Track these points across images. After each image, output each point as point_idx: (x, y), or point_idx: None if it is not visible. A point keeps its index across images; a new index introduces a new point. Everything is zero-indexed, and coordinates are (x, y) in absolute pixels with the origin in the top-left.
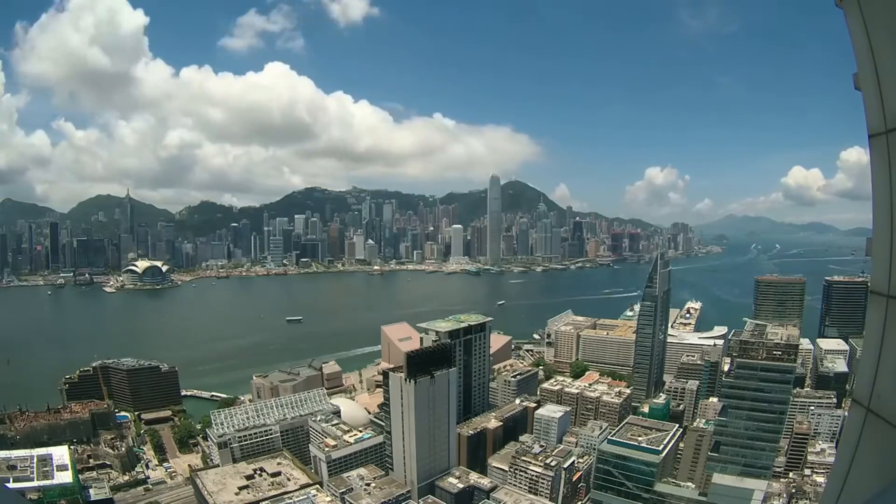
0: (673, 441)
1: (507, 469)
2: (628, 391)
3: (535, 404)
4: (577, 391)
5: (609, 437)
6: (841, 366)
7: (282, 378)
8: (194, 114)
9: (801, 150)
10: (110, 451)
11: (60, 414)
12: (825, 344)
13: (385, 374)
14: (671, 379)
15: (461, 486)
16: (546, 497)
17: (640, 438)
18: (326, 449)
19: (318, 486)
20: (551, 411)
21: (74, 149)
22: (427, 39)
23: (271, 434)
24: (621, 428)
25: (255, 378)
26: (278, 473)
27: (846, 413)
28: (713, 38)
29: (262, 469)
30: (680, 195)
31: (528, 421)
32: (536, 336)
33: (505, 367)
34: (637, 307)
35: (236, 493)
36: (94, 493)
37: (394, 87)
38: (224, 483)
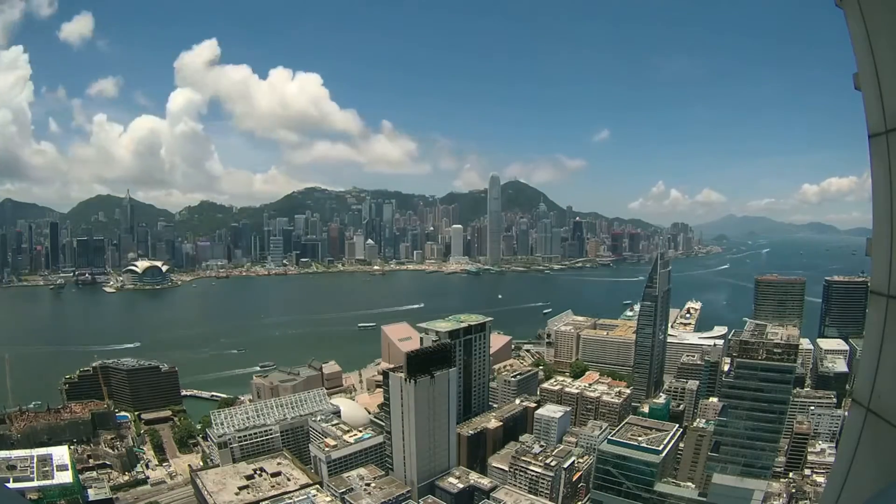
0: (673, 441)
1: (507, 469)
2: (628, 391)
3: (535, 404)
4: (577, 391)
5: (609, 437)
6: (841, 366)
7: (282, 378)
8: None
9: (803, 150)
10: (110, 451)
11: (60, 414)
12: (825, 344)
13: (385, 374)
14: (671, 379)
15: (461, 486)
16: (546, 497)
17: (640, 438)
18: (326, 449)
19: (318, 486)
20: (551, 411)
21: None
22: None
23: (271, 434)
24: (621, 428)
25: (255, 378)
26: (278, 473)
27: (846, 413)
28: (713, 37)
29: (262, 469)
30: (680, 197)
31: (528, 421)
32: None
33: (505, 367)
34: (637, 307)
35: (236, 493)
36: (93, 493)
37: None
38: (224, 483)
